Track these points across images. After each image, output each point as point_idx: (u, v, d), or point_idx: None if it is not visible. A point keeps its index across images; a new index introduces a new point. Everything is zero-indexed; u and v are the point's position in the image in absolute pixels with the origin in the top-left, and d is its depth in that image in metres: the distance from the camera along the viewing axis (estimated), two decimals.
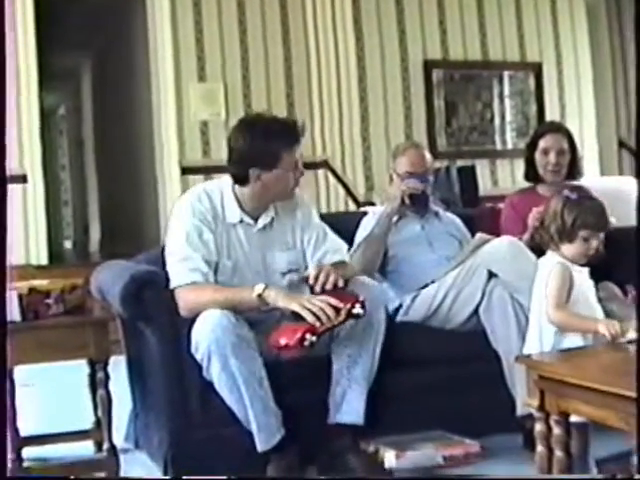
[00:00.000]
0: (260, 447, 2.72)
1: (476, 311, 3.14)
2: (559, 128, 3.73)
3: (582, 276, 2.56)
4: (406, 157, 3.53)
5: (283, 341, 2.64)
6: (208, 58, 6.77)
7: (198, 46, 6.74)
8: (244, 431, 2.73)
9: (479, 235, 3.35)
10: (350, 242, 3.36)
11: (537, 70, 7.54)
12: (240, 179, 2.91)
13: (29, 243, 6.34)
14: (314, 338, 2.62)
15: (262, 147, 2.83)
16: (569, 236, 2.54)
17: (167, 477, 2.80)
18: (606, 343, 2.39)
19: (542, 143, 3.60)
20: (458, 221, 3.66)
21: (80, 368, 3.14)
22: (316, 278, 2.75)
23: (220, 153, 5.91)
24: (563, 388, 2.17)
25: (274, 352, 2.69)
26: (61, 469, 2.89)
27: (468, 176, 6.34)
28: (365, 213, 3.71)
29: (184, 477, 2.78)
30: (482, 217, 3.90)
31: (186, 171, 6.67)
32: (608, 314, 2.62)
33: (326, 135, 7.07)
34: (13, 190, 6.09)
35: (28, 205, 6.35)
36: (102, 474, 2.86)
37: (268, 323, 2.80)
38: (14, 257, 5.92)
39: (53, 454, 3.11)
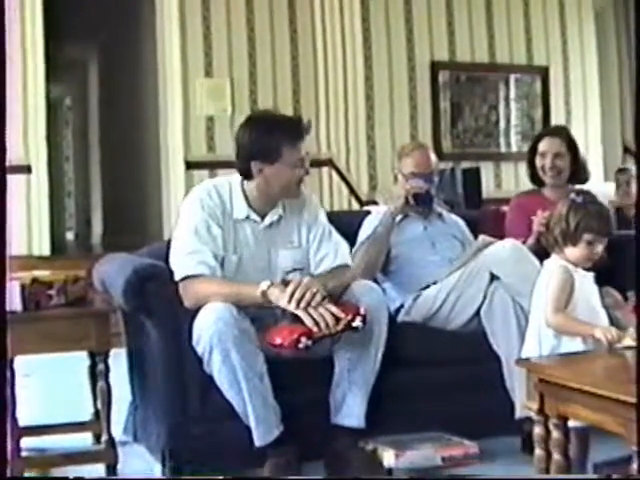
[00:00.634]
0: (258, 442, 2.72)
1: (477, 313, 3.14)
2: (557, 131, 3.81)
3: (586, 280, 2.55)
4: (412, 158, 3.54)
5: (278, 340, 2.65)
6: (215, 53, 6.77)
7: (205, 41, 6.75)
8: (243, 426, 2.72)
9: (482, 237, 3.35)
10: (352, 241, 3.36)
11: (544, 74, 7.54)
12: (244, 173, 2.93)
13: (32, 233, 6.35)
14: (309, 342, 2.62)
15: (264, 140, 2.86)
16: (573, 239, 2.53)
17: (166, 477, 2.80)
18: (606, 349, 2.39)
19: (540, 146, 3.67)
20: (461, 223, 3.66)
21: (80, 360, 3.15)
22: (291, 295, 2.68)
23: (225, 149, 5.94)
24: (563, 392, 2.16)
25: (270, 349, 2.69)
26: (59, 458, 2.90)
27: (472, 178, 6.36)
28: (368, 212, 3.71)
29: (184, 477, 2.78)
30: (485, 219, 3.90)
31: (191, 166, 6.67)
32: (613, 322, 2.61)
33: (331, 133, 7.07)
34: (17, 181, 6.11)
35: (32, 196, 6.36)
36: (100, 465, 2.86)
37: (267, 320, 2.80)
38: (16, 247, 5.93)
39: (51, 445, 3.11)
